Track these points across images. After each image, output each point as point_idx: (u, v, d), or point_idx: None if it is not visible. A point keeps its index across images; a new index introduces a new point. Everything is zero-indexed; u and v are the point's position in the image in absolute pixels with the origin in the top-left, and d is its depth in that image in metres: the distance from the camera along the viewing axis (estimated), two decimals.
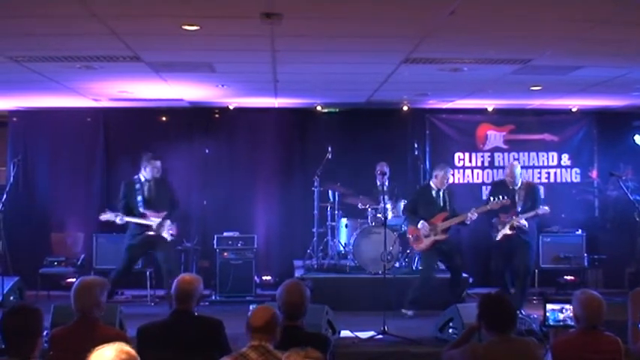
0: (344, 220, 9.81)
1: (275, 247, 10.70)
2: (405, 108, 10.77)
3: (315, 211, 9.76)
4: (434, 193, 8.54)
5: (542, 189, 9.17)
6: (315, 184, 9.71)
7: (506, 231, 8.11)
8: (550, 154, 11.04)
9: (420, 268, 8.97)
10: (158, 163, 8.38)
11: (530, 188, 8.57)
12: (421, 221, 8.49)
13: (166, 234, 8.34)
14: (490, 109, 10.87)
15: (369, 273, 9.03)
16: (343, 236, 9.79)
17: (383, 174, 9.37)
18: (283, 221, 10.71)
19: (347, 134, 10.68)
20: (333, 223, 9.80)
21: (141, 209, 8.25)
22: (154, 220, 8.25)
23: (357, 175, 10.17)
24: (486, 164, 10.86)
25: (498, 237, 8.15)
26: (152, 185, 8.36)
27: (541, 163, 11.03)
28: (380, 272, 8.53)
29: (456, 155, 10.99)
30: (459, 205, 8.63)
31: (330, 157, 9.64)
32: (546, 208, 8.31)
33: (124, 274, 8.43)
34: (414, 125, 10.96)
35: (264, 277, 10.29)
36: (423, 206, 8.59)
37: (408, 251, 9.59)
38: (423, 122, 11.01)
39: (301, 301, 4.29)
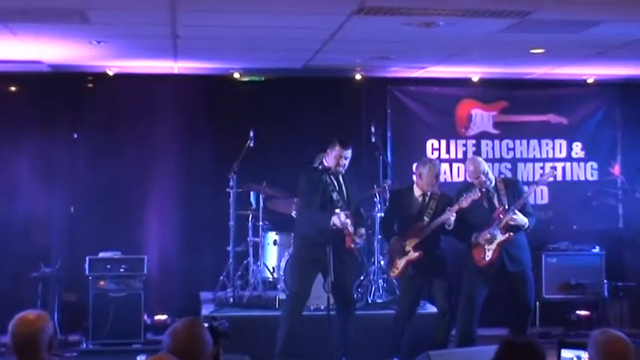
0: (272, 235, 9.85)
1: (174, 272, 10.70)
2: (359, 77, 10.83)
3: (231, 222, 9.82)
4: (416, 198, 8.61)
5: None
6: (231, 183, 9.76)
7: (500, 238, 8.23)
8: (557, 142, 11.25)
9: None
10: (349, 152, 8.33)
11: (508, 182, 8.78)
12: (393, 238, 8.59)
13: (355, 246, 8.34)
14: (475, 79, 11.01)
15: (308, 309, 9.01)
16: (271, 257, 9.81)
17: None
18: (186, 236, 10.71)
19: (276, 113, 10.73)
20: (257, 239, 9.84)
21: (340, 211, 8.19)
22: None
23: (290, 171, 9.88)
24: (470, 156, 10.78)
25: (487, 258, 8.25)
26: (341, 179, 8.38)
27: (544, 155, 11.23)
28: (322, 307, 8.56)
29: (429, 143, 11.10)
30: None
31: (252, 144, 9.69)
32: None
33: (306, 298, 8.38)
34: (371, 101, 11.05)
35: (157, 317, 10.22)
36: (400, 216, 8.69)
37: (362, 277, 9.68)
38: (384, 97, 11.10)
39: (190, 349, 4.20)
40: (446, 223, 8.27)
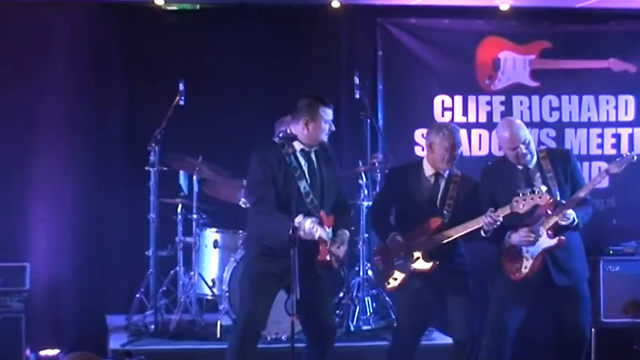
0: (211, 233, 10.05)
1: (69, 288, 10.75)
2: (337, 5, 10.84)
3: (152, 215, 9.94)
4: (427, 179, 8.49)
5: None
6: (152, 158, 9.86)
7: (547, 244, 8.06)
8: (621, 98, 11.27)
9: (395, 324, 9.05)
10: (331, 112, 8.04)
11: (556, 155, 8.52)
12: (392, 235, 8.42)
13: (334, 257, 8.14)
14: (504, 8, 10.98)
15: (264, 339, 8.89)
16: (210, 265, 10.01)
17: None
18: (86, 236, 10.77)
19: (217, 57, 10.85)
20: (190, 239, 9.99)
21: (311, 208, 7.96)
22: (327, 231, 7.97)
23: (236, 141, 10.16)
24: (497, 119, 10.88)
25: (525, 269, 8.08)
26: (315, 160, 8.12)
27: (603, 118, 11.25)
28: (284, 337, 8.79)
29: (438, 100, 11.13)
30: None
31: (182, 102, 9.81)
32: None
33: (261, 325, 8.14)
34: (354, 40, 11.20)
35: (45, 352, 10.18)
36: (403, 204, 8.57)
37: (342, 294, 9.70)
38: (372, 34, 11.19)
39: None
40: (484, 229, 8.07)
